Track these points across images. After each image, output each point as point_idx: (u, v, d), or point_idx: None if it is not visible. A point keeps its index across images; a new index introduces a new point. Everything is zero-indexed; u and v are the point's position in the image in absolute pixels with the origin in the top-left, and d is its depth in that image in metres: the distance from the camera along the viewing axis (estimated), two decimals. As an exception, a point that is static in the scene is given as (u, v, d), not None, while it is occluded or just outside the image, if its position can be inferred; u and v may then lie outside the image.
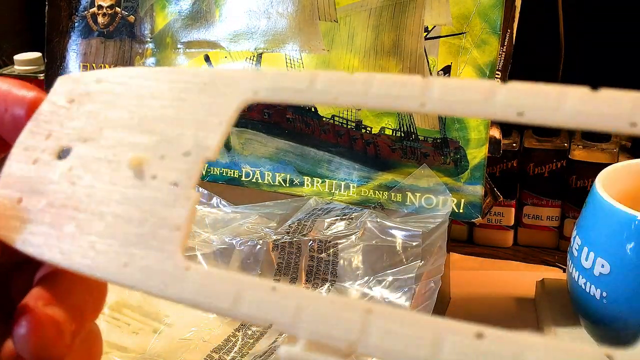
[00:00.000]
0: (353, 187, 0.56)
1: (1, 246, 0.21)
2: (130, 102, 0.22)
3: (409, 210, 0.53)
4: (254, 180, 0.59)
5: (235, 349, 0.48)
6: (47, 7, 0.67)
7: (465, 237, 0.69)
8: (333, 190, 0.56)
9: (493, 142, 0.52)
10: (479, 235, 0.68)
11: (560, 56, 0.73)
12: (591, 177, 0.48)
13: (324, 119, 0.56)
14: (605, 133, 0.62)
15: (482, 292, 0.60)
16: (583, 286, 0.44)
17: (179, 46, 0.62)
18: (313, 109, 0.56)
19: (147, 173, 0.20)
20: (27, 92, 0.23)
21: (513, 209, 0.66)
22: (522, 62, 0.57)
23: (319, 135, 0.56)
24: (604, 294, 0.43)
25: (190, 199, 0.19)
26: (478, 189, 0.52)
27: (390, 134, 0.54)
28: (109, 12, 0.65)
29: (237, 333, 0.50)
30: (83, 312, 0.22)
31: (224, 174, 0.60)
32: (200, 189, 0.60)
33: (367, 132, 0.55)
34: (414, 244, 0.49)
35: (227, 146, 0.60)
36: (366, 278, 0.50)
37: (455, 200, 0.52)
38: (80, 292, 0.22)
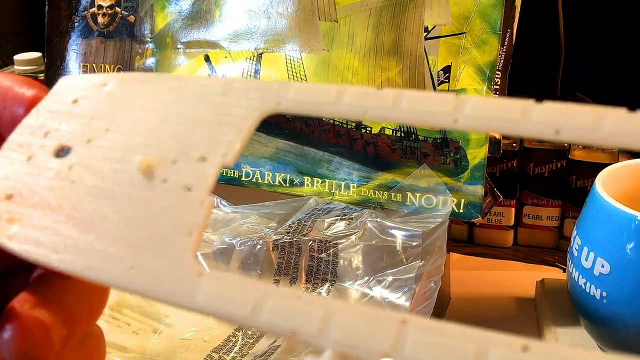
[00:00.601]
0: (353, 187, 0.55)
1: None
2: (141, 107, 0.21)
3: (409, 210, 0.53)
4: (253, 180, 0.59)
5: (235, 349, 0.48)
6: (47, 7, 0.67)
7: (465, 237, 0.69)
8: (333, 190, 0.56)
9: (493, 142, 0.52)
10: (479, 235, 0.68)
11: (560, 56, 0.73)
12: (591, 177, 0.48)
13: (324, 119, 0.56)
14: None
15: (482, 292, 0.60)
16: (583, 286, 0.45)
17: (179, 46, 0.62)
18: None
19: (157, 176, 0.20)
20: (27, 90, 0.23)
21: (513, 209, 0.66)
22: (522, 62, 0.57)
23: (319, 135, 0.56)
24: (604, 294, 0.43)
25: (204, 204, 0.19)
26: (478, 189, 0.52)
27: (390, 134, 0.54)
28: (109, 12, 0.65)
29: (237, 333, 0.50)
30: (77, 317, 0.21)
31: (224, 174, 0.60)
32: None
33: (367, 132, 0.55)
34: (414, 244, 0.49)
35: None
36: (366, 278, 0.50)
37: (455, 200, 0.52)
38: (74, 295, 0.21)
